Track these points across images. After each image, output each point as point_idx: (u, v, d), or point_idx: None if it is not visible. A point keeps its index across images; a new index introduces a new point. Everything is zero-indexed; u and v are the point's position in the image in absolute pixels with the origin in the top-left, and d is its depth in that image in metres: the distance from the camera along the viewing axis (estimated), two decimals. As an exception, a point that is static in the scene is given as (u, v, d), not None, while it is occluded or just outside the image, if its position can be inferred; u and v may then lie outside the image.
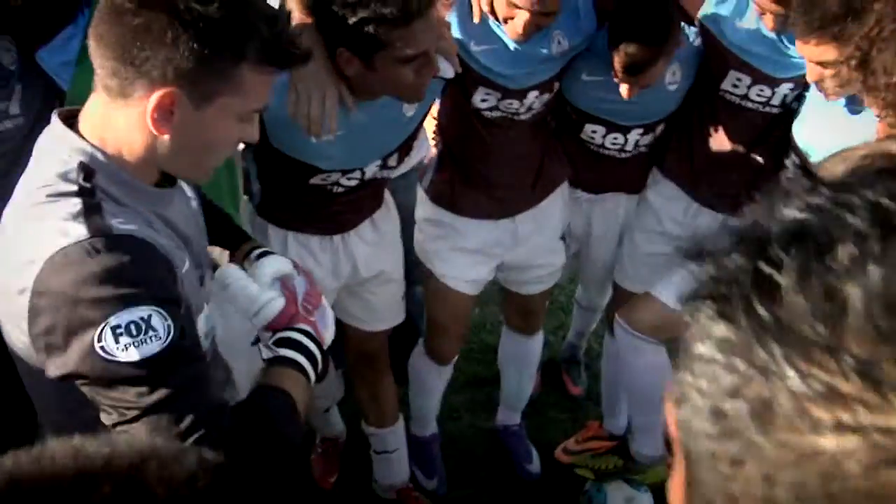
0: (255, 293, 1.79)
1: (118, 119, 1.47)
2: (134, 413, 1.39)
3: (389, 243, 2.86)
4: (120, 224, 1.43)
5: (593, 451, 3.42)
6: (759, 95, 2.67)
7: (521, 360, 3.42)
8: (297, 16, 2.21)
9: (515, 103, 2.70)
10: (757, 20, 2.57)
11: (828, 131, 2.43)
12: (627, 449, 3.21)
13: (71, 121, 1.54)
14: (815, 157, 2.48)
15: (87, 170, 1.47)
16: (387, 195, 2.83)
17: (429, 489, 3.38)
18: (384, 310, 2.95)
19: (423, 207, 3.01)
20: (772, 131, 2.72)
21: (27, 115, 2.29)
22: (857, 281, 0.53)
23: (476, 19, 2.58)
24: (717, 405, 0.56)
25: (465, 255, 2.99)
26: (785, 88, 2.63)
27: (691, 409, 0.58)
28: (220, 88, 1.45)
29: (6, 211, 1.56)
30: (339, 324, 2.94)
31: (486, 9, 2.56)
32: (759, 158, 2.77)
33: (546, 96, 2.73)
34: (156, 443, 0.68)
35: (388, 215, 2.84)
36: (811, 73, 2.16)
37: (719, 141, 2.82)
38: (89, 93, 2.20)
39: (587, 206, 3.10)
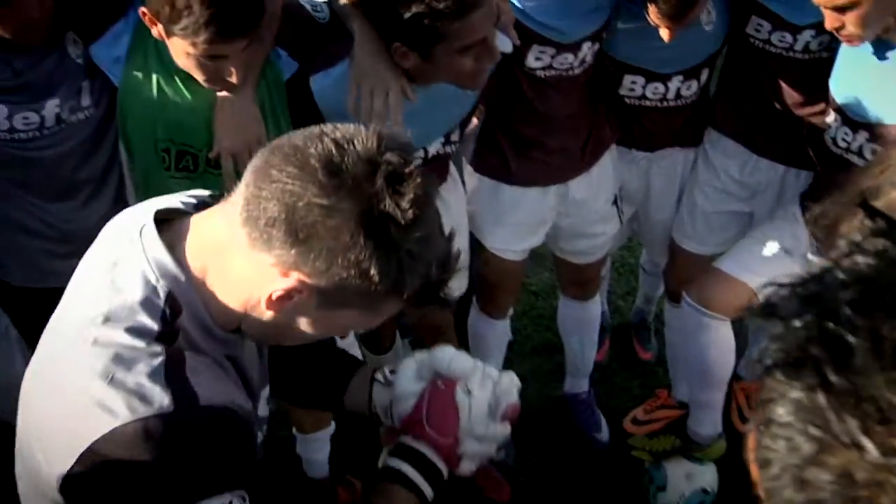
0: (401, 383, 1.61)
1: (234, 261, 1.25)
2: None
3: (455, 217, 2.82)
4: (204, 390, 1.25)
5: (662, 421, 3.40)
6: (780, 41, 2.61)
7: (581, 325, 3.39)
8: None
9: (570, 57, 2.65)
10: None
11: (860, 83, 2.40)
12: (684, 427, 3.17)
13: (166, 222, 1.32)
14: (853, 113, 2.43)
15: (174, 305, 1.26)
16: (452, 168, 2.82)
17: (496, 460, 3.38)
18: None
19: (470, 179, 2.99)
20: (808, 78, 2.65)
21: (97, 106, 2.37)
22: None
23: None
24: (799, 474, 0.55)
25: (514, 227, 2.97)
26: (807, 35, 2.56)
27: (775, 476, 0.57)
28: (358, 306, 1.26)
29: (62, 311, 1.37)
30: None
31: None
32: (803, 104, 2.71)
33: (596, 46, 2.68)
34: None
35: (453, 188, 2.84)
36: (829, 21, 2.12)
37: (759, 88, 2.76)
38: (137, 91, 2.25)
39: (644, 164, 3.04)
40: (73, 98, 2.32)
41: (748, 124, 2.84)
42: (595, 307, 3.39)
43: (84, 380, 1.22)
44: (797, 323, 0.57)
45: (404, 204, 1.17)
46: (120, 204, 2.51)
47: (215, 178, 2.31)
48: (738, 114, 2.86)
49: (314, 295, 1.22)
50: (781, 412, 0.57)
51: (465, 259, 2.92)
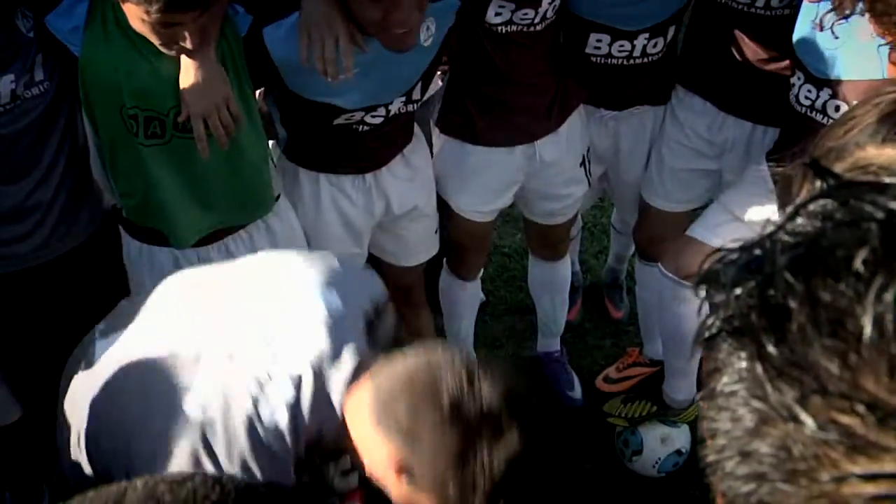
0: None
1: (359, 422, 1.54)
2: None
3: (422, 178, 2.84)
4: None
5: (635, 379, 3.43)
6: None
7: (551, 285, 3.39)
8: None
9: (531, 12, 2.61)
10: None
11: (821, 40, 2.37)
12: (659, 393, 3.19)
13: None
14: (815, 70, 2.41)
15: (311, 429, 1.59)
16: (416, 128, 2.81)
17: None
18: (418, 245, 2.96)
19: (437, 141, 2.96)
20: (771, 34, 2.63)
21: (52, 81, 2.33)
22: (868, 307, 0.49)
23: None
24: (742, 447, 0.54)
25: (481, 189, 2.96)
26: None
27: (720, 447, 0.56)
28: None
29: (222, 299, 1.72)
30: (375, 259, 2.98)
31: None
32: (768, 61, 2.69)
33: (558, 1, 2.64)
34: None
35: (419, 149, 2.83)
36: None
37: (724, 44, 2.73)
38: (99, 60, 2.24)
39: (613, 123, 3.02)
40: (27, 73, 2.27)
41: (714, 81, 2.83)
42: (565, 267, 3.39)
43: (197, 407, 1.57)
44: (738, 290, 0.56)
45: (496, 458, 1.40)
46: (74, 178, 2.49)
47: (186, 142, 2.30)
48: (704, 70, 2.84)
49: (403, 476, 1.47)
50: (725, 382, 0.56)
51: (434, 222, 2.94)
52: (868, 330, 0.49)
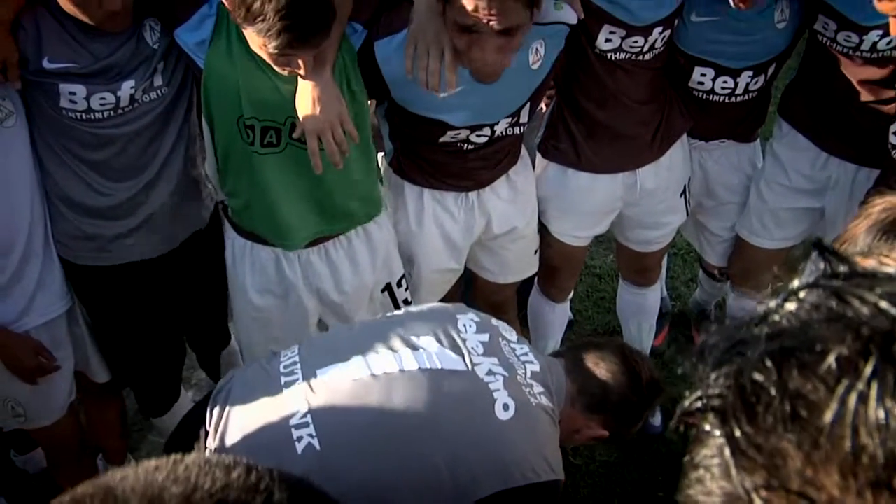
0: None
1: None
2: None
3: (524, 199, 2.87)
4: None
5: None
6: (846, 41, 2.57)
7: (639, 311, 3.40)
8: None
9: (640, 41, 2.63)
10: None
11: None
12: None
13: None
14: None
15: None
16: (523, 150, 2.84)
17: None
18: (515, 263, 2.99)
19: (538, 165, 2.98)
20: (880, 77, 2.60)
21: (169, 85, 2.44)
22: (832, 405, 0.51)
23: None
24: None
25: (581, 215, 2.98)
26: (874, 35, 2.51)
27: None
28: None
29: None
30: (470, 273, 3.03)
31: None
32: (876, 104, 2.65)
33: (667, 33, 2.66)
34: (230, 484, 0.67)
35: (524, 171, 2.85)
36: (894, 27, 2.07)
37: (831, 85, 2.71)
38: (222, 72, 2.35)
39: (696, 154, 3.03)
40: (148, 80, 2.38)
41: (820, 121, 2.81)
42: (655, 294, 3.39)
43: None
44: (721, 370, 0.58)
45: None
46: (184, 184, 2.59)
47: (300, 151, 2.37)
48: (811, 109, 2.83)
49: None
50: (704, 455, 0.58)
51: (534, 243, 2.97)
52: (830, 427, 0.51)
